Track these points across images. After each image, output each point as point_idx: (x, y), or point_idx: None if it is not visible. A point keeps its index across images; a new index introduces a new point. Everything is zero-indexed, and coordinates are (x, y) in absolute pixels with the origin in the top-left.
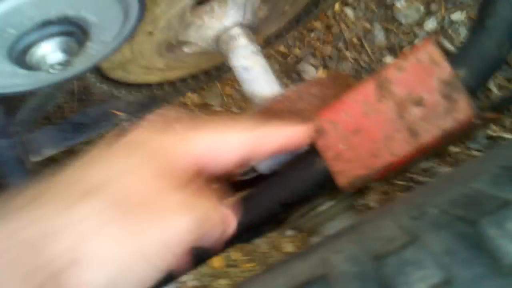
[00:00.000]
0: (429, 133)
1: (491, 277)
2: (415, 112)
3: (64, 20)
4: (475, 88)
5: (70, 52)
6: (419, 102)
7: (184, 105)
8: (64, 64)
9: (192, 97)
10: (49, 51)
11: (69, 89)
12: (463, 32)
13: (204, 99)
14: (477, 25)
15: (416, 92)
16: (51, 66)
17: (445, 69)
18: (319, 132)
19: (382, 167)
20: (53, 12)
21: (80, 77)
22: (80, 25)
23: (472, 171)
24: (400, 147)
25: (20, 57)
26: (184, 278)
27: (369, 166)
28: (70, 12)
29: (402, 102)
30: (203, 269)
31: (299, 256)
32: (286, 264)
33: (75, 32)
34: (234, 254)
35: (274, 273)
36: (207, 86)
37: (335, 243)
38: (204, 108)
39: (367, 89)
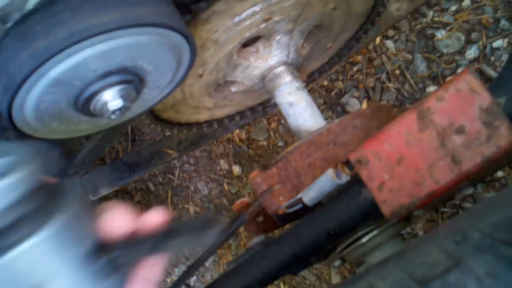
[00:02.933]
0: (472, 160)
1: None
2: (457, 140)
3: (124, 71)
4: None
5: (129, 99)
6: (460, 130)
7: (232, 141)
8: (124, 110)
9: (239, 133)
10: (110, 99)
11: (123, 130)
12: (505, 59)
13: (250, 135)
14: None
15: (457, 121)
16: (112, 112)
17: (485, 98)
18: (363, 162)
19: (426, 195)
20: (114, 64)
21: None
22: (138, 74)
23: None
24: (443, 175)
25: (84, 105)
26: None
27: (413, 195)
28: (129, 63)
29: (444, 131)
30: None
31: (346, 284)
32: None
33: (133, 80)
34: (282, 287)
35: None
36: (254, 122)
37: (381, 269)
38: (251, 143)
39: (408, 120)
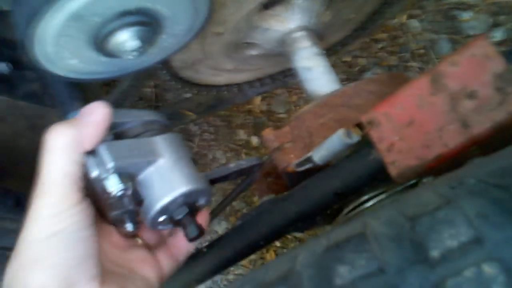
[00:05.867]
0: (481, 125)
1: None
2: (468, 104)
3: (141, 11)
4: None
5: (146, 41)
6: (472, 95)
7: (252, 112)
8: (140, 51)
9: (259, 104)
10: (127, 38)
11: (147, 96)
12: None
13: (271, 107)
14: None
15: (469, 86)
16: (129, 52)
17: (499, 63)
18: (374, 124)
19: (433, 158)
20: (132, 4)
21: (156, 84)
22: (155, 17)
23: None
24: (452, 139)
25: (102, 43)
26: (236, 271)
27: (421, 157)
28: (147, 4)
29: (455, 95)
30: (256, 265)
31: (343, 225)
32: (330, 230)
33: (150, 22)
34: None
35: (318, 238)
36: (273, 92)
37: (376, 211)
38: (271, 115)
39: (421, 83)
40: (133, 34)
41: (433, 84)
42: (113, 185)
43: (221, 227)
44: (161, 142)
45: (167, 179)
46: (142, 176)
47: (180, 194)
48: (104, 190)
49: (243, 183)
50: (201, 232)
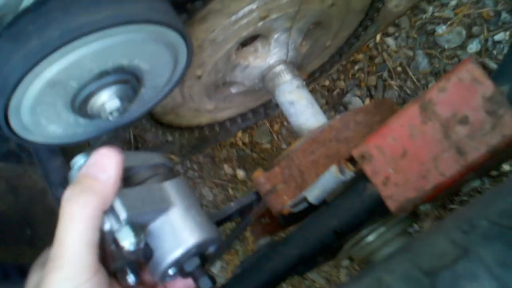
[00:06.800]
0: (477, 151)
1: None
2: (461, 130)
3: (120, 70)
4: None
5: (127, 99)
6: (464, 121)
7: (235, 145)
8: (122, 111)
9: (242, 137)
10: (107, 99)
11: (125, 139)
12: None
13: (253, 138)
14: None
15: (460, 111)
16: (110, 113)
17: (488, 86)
18: (367, 158)
19: (432, 188)
20: (110, 63)
21: (135, 125)
22: (134, 73)
23: None
24: (448, 167)
25: (81, 107)
26: None
27: (419, 188)
28: (125, 61)
29: (447, 122)
30: None
31: (354, 279)
32: (342, 287)
33: (130, 79)
34: None
35: None
36: (256, 125)
37: (388, 263)
38: (254, 146)
39: (411, 112)
40: (113, 93)
41: (423, 112)
42: (126, 238)
43: (215, 267)
44: (171, 189)
45: (179, 230)
46: (152, 226)
47: (193, 245)
48: (115, 243)
49: (237, 228)
50: (214, 283)
